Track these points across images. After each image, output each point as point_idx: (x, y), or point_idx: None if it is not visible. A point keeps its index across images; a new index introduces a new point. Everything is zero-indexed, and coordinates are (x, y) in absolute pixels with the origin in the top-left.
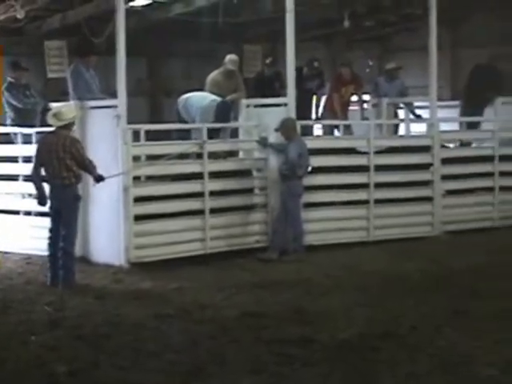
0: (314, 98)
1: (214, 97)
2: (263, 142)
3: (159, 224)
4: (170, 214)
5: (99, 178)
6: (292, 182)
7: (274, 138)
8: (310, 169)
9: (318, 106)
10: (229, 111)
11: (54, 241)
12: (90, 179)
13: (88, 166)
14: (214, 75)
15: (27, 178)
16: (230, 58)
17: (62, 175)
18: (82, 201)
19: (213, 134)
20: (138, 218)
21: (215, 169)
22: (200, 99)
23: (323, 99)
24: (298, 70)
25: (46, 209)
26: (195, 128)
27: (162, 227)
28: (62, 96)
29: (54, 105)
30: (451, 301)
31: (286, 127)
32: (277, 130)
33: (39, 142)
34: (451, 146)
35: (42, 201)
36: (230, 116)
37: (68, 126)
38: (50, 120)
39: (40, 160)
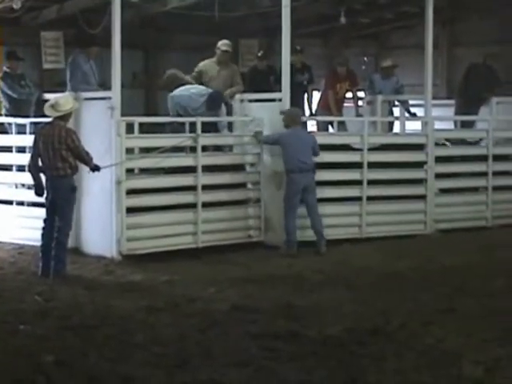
0: (305, 93)
1: (198, 87)
2: (257, 137)
3: (151, 217)
4: (162, 206)
5: (95, 168)
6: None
7: (267, 132)
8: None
9: (310, 102)
10: (220, 101)
11: (48, 231)
12: (84, 169)
13: (84, 157)
14: (203, 62)
15: (21, 168)
16: (222, 41)
17: (56, 166)
18: None
19: (206, 126)
20: (131, 211)
21: (208, 163)
22: (182, 92)
23: (314, 94)
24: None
25: (39, 199)
26: (183, 121)
27: (154, 220)
28: (59, 87)
29: (48, 95)
30: (440, 298)
31: (288, 115)
32: (281, 112)
33: (36, 132)
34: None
35: (38, 191)
36: (221, 106)
37: (65, 117)
38: (46, 111)
39: (37, 150)
